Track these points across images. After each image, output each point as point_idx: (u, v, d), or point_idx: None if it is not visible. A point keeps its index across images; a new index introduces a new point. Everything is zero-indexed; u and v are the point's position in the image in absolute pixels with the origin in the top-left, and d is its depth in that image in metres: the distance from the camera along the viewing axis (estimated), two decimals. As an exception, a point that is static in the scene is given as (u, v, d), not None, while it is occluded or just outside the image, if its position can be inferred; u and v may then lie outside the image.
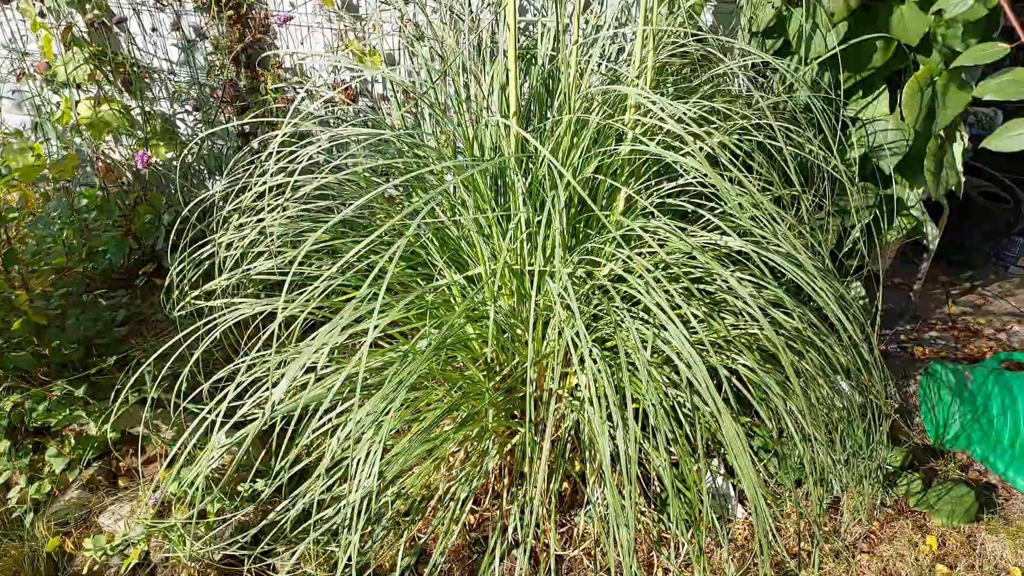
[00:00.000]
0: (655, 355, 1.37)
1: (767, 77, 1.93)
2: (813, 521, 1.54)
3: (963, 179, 1.88)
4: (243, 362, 1.33)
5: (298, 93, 2.01)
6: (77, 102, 2.22)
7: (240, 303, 1.37)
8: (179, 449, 1.37)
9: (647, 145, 1.37)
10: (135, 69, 2.23)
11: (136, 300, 1.89)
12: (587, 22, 1.77)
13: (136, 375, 1.30)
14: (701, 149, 1.22)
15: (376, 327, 1.11)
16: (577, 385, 1.46)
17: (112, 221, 1.94)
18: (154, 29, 2.26)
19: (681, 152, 1.33)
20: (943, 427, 1.77)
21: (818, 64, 1.79)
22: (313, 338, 1.29)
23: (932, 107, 1.78)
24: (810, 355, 1.30)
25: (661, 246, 1.36)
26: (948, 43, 1.68)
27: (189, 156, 2.20)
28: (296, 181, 1.39)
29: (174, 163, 2.24)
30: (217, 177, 2.17)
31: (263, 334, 1.32)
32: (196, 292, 1.41)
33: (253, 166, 1.48)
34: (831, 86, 1.84)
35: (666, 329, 1.18)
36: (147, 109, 2.21)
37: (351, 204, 1.45)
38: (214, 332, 1.30)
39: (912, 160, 1.85)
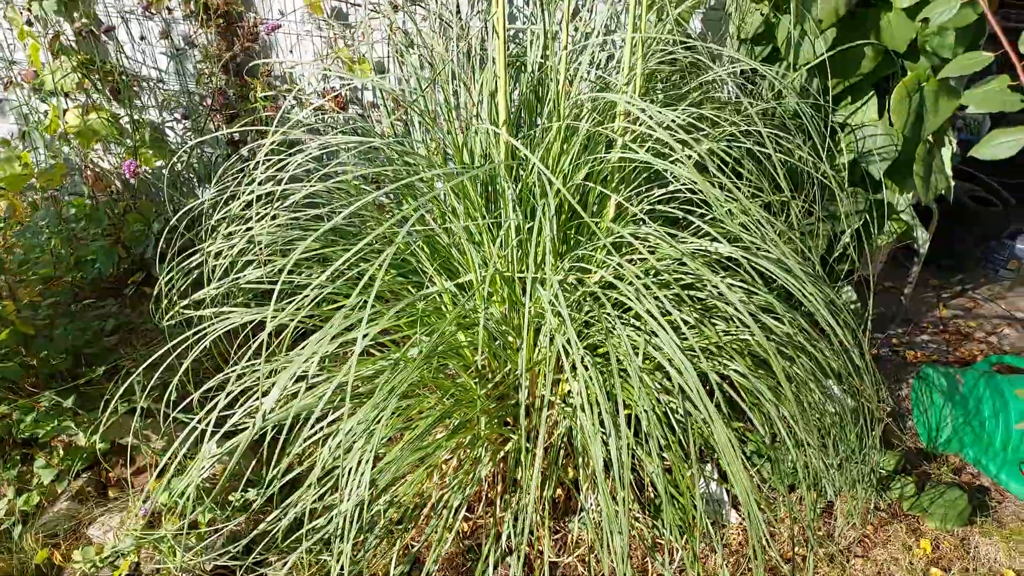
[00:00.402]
0: (647, 361, 1.37)
1: (756, 84, 1.94)
2: (807, 526, 1.54)
3: (953, 184, 1.89)
4: (233, 371, 1.32)
5: (288, 101, 2.00)
6: (65, 111, 2.20)
7: (230, 312, 1.36)
8: (169, 459, 1.36)
9: (636, 152, 1.37)
10: (124, 78, 2.22)
11: (126, 309, 1.88)
12: (576, 29, 1.78)
13: (125, 385, 1.29)
14: (690, 157, 1.23)
15: (366, 336, 1.11)
16: (569, 392, 1.46)
17: (101, 230, 1.93)
18: (143, 38, 2.25)
19: (670, 159, 1.34)
20: (935, 430, 1.77)
21: (807, 70, 1.80)
22: (303, 347, 1.28)
23: (920, 113, 1.80)
24: (801, 360, 1.30)
25: (651, 252, 1.36)
26: (935, 49, 1.69)
27: (179, 164, 2.19)
28: (285, 189, 1.38)
29: (164, 171, 2.23)
30: (207, 185, 2.16)
31: (253, 343, 1.32)
32: (185, 301, 1.40)
33: (242, 174, 1.48)
34: (820, 92, 1.85)
35: (657, 336, 1.18)
36: (136, 117, 2.20)
37: (341, 212, 1.45)
38: (204, 341, 1.29)
39: (901, 165, 1.86)
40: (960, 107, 1.77)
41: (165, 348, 1.24)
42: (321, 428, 1.32)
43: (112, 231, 2.02)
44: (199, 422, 1.19)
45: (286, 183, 1.39)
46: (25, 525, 1.40)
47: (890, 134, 1.83)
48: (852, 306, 1.97)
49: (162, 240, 1.59)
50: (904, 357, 2.17)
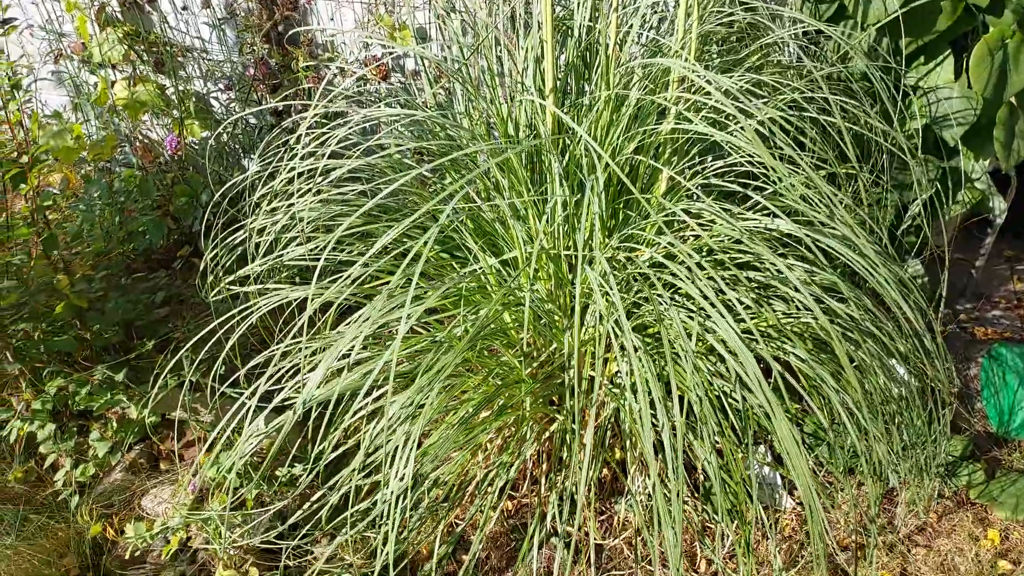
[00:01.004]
0: (698, 343, 1.31)
1: (820, 45, 1.81)
2: (867, 515, 1.48)
3: (1036, 149, 1.75)
4: (278, 349, 1.32)
5: (330, 72, 1.97)
6: (113, 82, 2.22)
7: (275, 289, 1.36)
8: (218, 434, 1.37)
9: (691, 122, 1.30)
10: (168, 48, 2.22)
11: (176, 281, 1.90)
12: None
13: (174, 361, 1.30)
14: (750, 126, 1.14)
15: (409, 317, 1.08)
16: (618, 372, 1.42)
17: (151, 201, 1.95)
18: (185, 8, 2.24)
19: (728, 130, 1.26)
20: (1008, 414, 1.67)
21: (875, 29, 1.67)
22: (348, 323, 1.27)
23: (1004, 71, 1.66)
24: (867, 344, 1.22)
25: (705, 229, 1.29)
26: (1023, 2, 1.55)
27: (224, 135, 2.18)
28: (327, 165, 1.36)
29: (210, 141, 2.23)
30: (252, 156, 2.16)
31: (298, 320, 1.31)
32: (231, 277, 1.40)
33: (285, 148, 1.46)
34: (889, 52, 1.72)
35: (711, 318, 1.12)
36: (181, 88, 2.19)
37: (383, 188, 1.42)
38: (249, 319, 1.29)
39: (980, 129, 1.73)
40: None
41: (212, 326, 1.25)
42: (366, 405, 1.31)
43: (162, 201, 2.03)
44: (247, 398, 1.19)
45: (328, 158, 1.37)
46: (82, 496, 1.44)
47: (968, 96, 1.70)
48: (919, 280, 1.87)
49: (208, 212, 1.58)
50: (973, 334, 2.05)
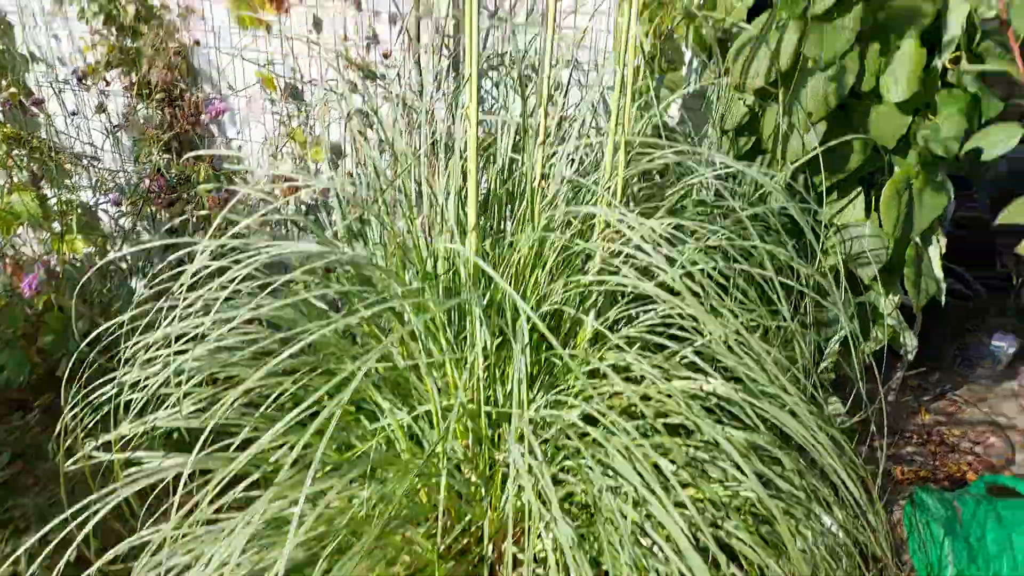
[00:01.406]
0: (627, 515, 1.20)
1: (736, 178, 1.83)
2: None
3: (944, 285, 1.80)
4: (151, 533, 1.12)
5: (236, 191, 1.83)
6: (-16, 190, 1.99)
7: (147, 459, 1.16)
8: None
9: (616, 271, 1.24)
10: (54, 155, 2.02)
11: (34, 427, 1.63)
12: (561, 122, 1.66)
13: (11, 558, 1.07)
14: (679, 275, 1.09)
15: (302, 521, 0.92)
16: (542, 548, 1.28)
17: (13, 331, 1.70)
18: (74, 113, 2.06)
19: (655, 280, 1.20)
20: (936, 567, 1.62)
21: (793, 166, 1.70)
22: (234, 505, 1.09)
23: (909, 212, 1.71)
24: (809, 522, 1.14)
25: (633, 387, 1.21)
26: (929, 146, 1.60)
27: (111, 251, 1.98)
28: (219, 313, 1.20)
29: (96, 258, 2.02)
30: (141, 277, 1.96)
31: (172, 500, 1.11)
32: (93, 444, 1.19)
33: (176, 276, 1.29)
34: (805, 188, 1.75)
35: (646, 500, 1.02)
36: (66, 199, 1.99)
37: (285, 335, 1.27)
38: (112, 500, 1.08)
39: (891, 267, 1.76)
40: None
41: (64, 516, 1.03)
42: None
43: (29, 329, 1.79)
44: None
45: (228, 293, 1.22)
46: None
47: (878, 235, 1.73)
48: (838, 418, 1.85)
49: (83, 343, 1.38)
50: (892, 475, 2.03)
